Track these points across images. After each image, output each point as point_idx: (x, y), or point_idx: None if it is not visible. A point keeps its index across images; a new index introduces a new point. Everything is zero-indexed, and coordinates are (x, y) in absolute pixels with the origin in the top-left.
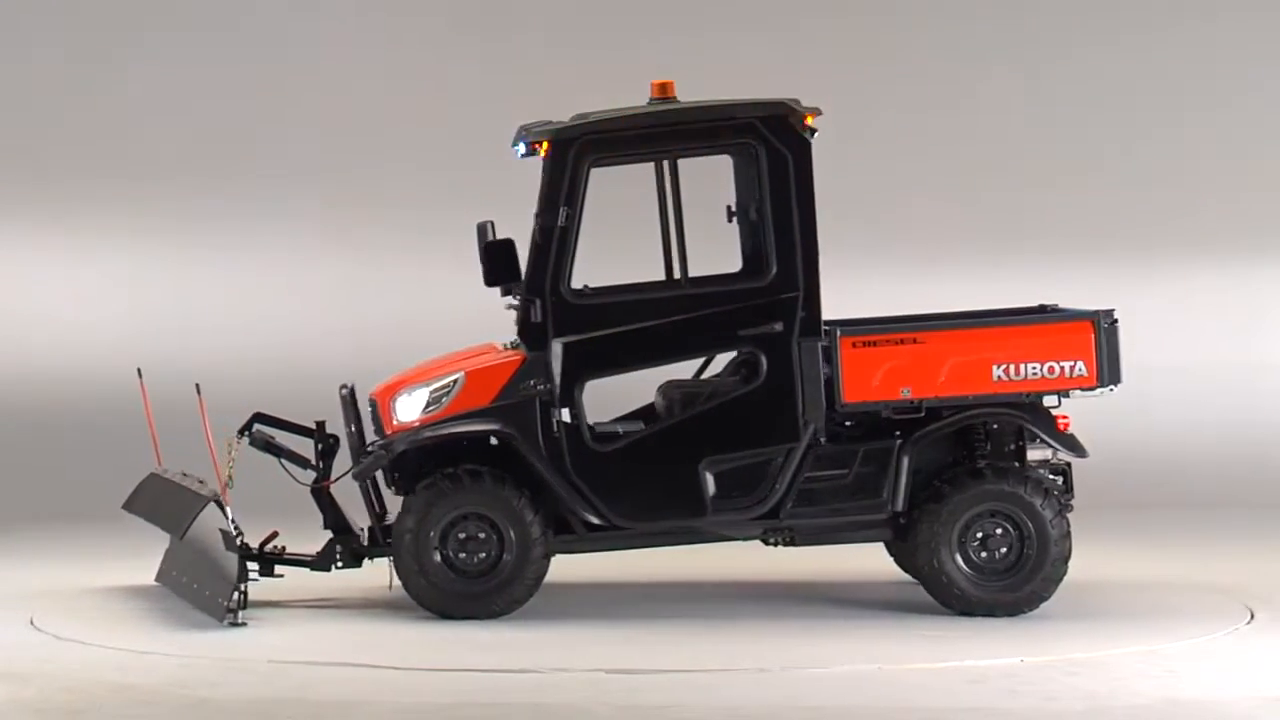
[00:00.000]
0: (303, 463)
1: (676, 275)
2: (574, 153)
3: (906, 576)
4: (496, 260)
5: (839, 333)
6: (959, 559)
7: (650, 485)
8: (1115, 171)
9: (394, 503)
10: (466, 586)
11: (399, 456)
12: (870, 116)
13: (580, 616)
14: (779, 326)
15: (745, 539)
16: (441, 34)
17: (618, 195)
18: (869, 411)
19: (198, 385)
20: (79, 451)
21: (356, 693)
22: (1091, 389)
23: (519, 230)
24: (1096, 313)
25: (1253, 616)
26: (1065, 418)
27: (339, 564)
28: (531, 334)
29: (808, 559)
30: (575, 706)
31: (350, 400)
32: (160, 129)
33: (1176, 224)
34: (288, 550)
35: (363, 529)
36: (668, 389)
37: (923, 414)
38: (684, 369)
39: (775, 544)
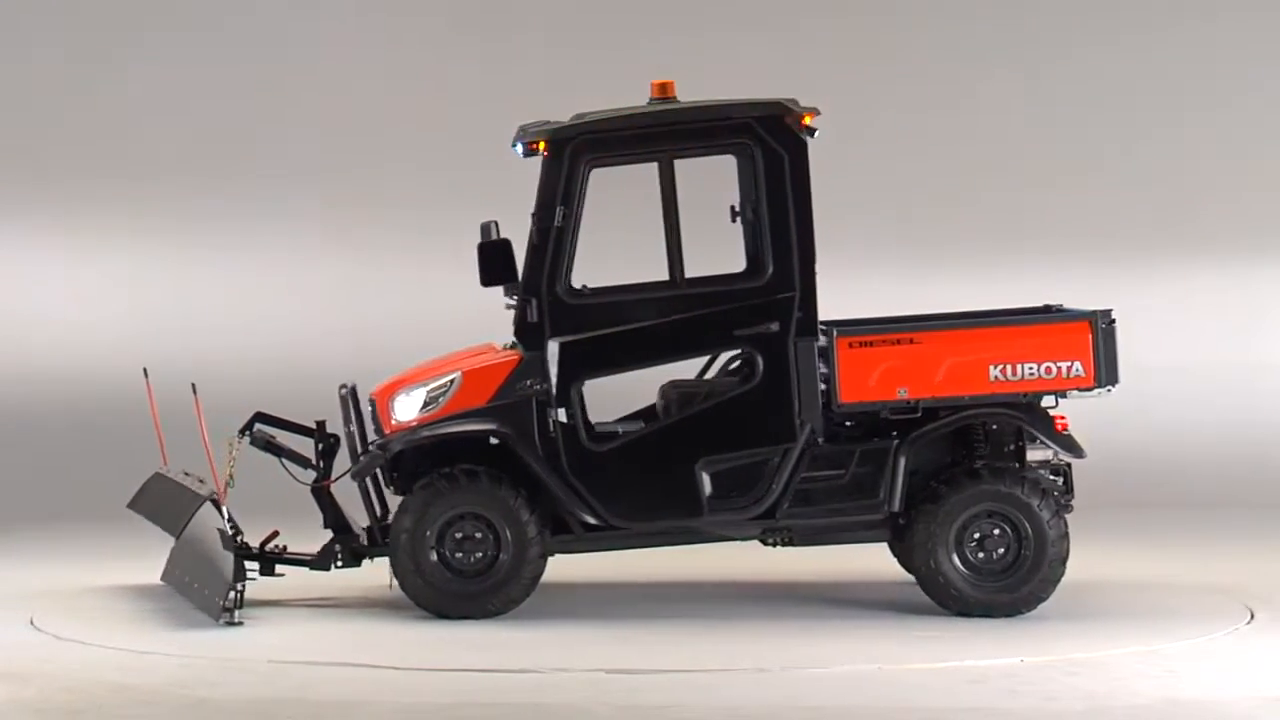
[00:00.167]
0: (303, 462)
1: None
2: (571, 153)
3: (908, 576)
4: (492, 260)
5: (835, 333)
6: (956, 559)
7: (646, 485)
8: (1115, 171)
9: (395, 502)
10: (463, 586)
11: (397, 456)
12: (870, 116)
13: (580, 616)
14: (775, 327)
15: (743, 539)
16: (441, 34)
17: (620, 196)
18: (866, 412)
19: (193, 385)
20: (79, 451)
21: (356, 693)
22: (1089, 389)
23: (520, 230)
24: (1094, 313)
25: (1253, 616)
26: (1063, 418)
27: (339, 564)
28: (528, 334)
29: (808, 559)
30: (575, 706)
31: (352, 400)
32: (160, 129)
33: (1176, 224)
34: (288, 550)
35: (364, 529)
36: (667, 389)
37: (919, 414)
38: (687, 369)
39: (774, 544)
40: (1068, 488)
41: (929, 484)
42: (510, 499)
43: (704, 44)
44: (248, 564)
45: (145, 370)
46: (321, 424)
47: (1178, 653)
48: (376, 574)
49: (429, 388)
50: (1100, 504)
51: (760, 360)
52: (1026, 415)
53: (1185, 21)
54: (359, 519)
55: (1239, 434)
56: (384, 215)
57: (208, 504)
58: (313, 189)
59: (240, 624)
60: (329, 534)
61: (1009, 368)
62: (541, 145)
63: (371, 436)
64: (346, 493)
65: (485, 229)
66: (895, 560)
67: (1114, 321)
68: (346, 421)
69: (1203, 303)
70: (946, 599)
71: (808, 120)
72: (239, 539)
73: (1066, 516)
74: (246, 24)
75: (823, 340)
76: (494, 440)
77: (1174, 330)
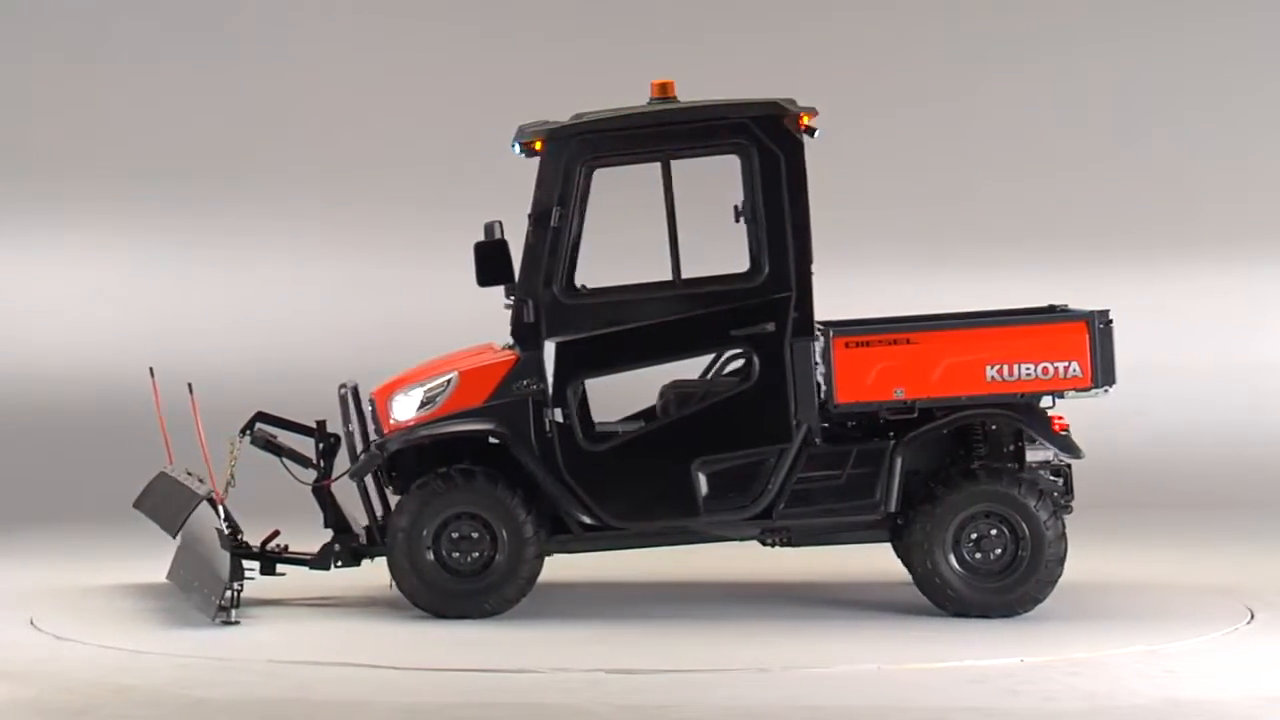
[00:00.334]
0: (304, 462)
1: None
2: (567, 153)
3: (908, 576)
4: (488, 261)
5: (832, 333)
6: (953, 560)
7: (642, 485)
8: (1115, 171)
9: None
10: (459, 586)
11: (396, 455)
12: (870, 116)
13: (580, 616)
14: (771, 327)
15: (741, 539)
16: (442, 34)
17: (621, 196)
18: (863, 412)
19: (190, 385)
20: (78, 451)
21: (356, 693)
22: (1086, 390)
23: (522, 231)
24: (1091, 313)
25: (1253, 616)
26: (1061, 418)
27: (338, 563)
28: (524, 334)
29: (807, 559)
30: (575, 706)
31: (353, 399)
32: (160, 129)
33: (1176, 224)
34: (289, 549)
35: (364, 528)
36: (667, 389)
37: (916, 415)
38: (689, 370)
39: (772, 545)
40: (1068, 488)
41: (926, 484)
42: (507, 499)
43: (704, 44)
44: (247, 563)
45: (151, 370)
46: (322, 424)
47: (1178, 653)
48: (376, 574)
49: (426, 387)
50: (1100, 504)
51: (756, 360)
52: (1023, 415)
53: (1185, 22)
54: (360, 519)
55: (1239, 434)
56: (384, 215)
57: (205, 503)
58: (313, 189)
59: (236, 623)
60: (330, 533)
61: (1006, 368)
62: (538, 145)
63: (373, 436)
64: (348, 492)
65: (489, 229)
66: (899, 560)
67: (1111, 322)
68: (345, 421)
69: (1203, 303)
70: (943, 599)
71: (806, 120)
72: (239, 538)
73: (1065, 517)
74: (247, 24)
75: (819, 340)
76: (494, 440)
77: (1174, 330)
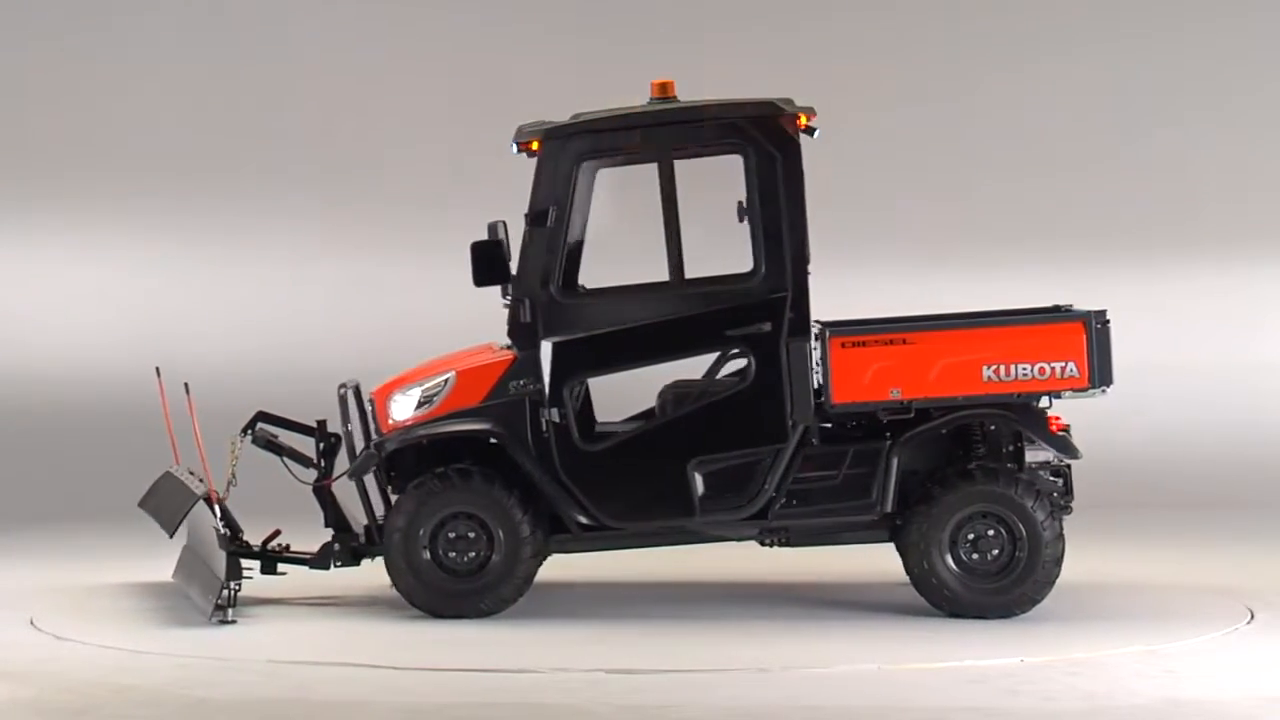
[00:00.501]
0: (304, 461)
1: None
2: (564, 152)
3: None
4: (484, 260)
5: (828, 333)
6: (950, 560)
7: (639, 486)
8: (1115, 171)
9: None
10: (456, 585)
11: (395, 455)
12: (871, 116)
13: (579, 616)
14: (767, 327)
15: (739, 539)
16: (441, 35)
17: (630, 196)
18: (859, 412)
19: (186, 384)
20: (78, 451)
21: (355, 693)
22: (1083, 390)
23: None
24: (1088, 313)
25: (1253, 616)
26: (1059, 418)
27: (338, 563)
28: (521, 334)
29: (807, 559)
30: (575, 706)
31: (354, 399)
32: (160, 128)
33: (1176, 224)
34: (290, 549)
35: (363, 528)
36: (666, 390)
37: (912, 415)
38: (690, 370)
39: (770, 545)
40: (1068, 489)
41: (923, 485)
42: (503, 499)
43: (704, 44)
44: (246, 563)
45: (158, 369)
46: (322, 423)
47: (1177, 653)
48: (376, 573)
49: (424, 387)
50: (1100, 504)
51: (752, 360)
52: (1020, 415)
53: (1185, 22)
54: (361, 518)
55: (1239, 434)
56: (384, 215)
57: (200, 503)
58: (312, 189)
59: (233, 622)
60: (330, 533)
61: (1002, 368)
62: (536, 145)
63: (374, 436)
64: (349, 492)
65: (492, 229)
66: (900, 560)
67: (1108, 322)
68: (345, 420)
69: (1203, 303)
70: (940, 600)
71: (805, 120)
72: (239, 538)
73: (1064, 517)
74: (247, 24)
75: (815, 340)
76: (492, 440)
77: (1174, 330)
